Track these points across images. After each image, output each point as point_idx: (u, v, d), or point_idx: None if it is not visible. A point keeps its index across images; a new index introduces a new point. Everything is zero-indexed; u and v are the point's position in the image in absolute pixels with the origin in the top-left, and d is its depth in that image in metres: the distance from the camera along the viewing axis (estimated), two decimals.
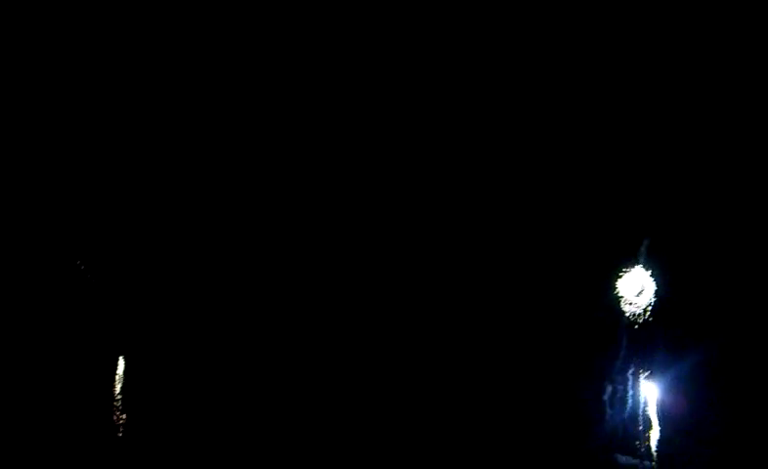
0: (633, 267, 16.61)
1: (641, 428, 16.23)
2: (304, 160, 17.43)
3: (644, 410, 16.33)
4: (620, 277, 16.65)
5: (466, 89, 17.03)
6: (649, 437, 16.12)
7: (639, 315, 16.50)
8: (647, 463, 16.04)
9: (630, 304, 16.56)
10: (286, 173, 17.43)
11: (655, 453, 16.02)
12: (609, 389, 16.59)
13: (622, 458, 16.23)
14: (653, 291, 16.45)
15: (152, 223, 17.06)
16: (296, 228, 17.38)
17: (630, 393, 16.47)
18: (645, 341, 16.47)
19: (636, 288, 16.48)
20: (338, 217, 17.17)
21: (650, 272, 16.51)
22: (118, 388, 16.28)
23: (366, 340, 16.90)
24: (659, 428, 16.11)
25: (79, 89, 16.47)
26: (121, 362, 16.47)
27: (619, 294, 16.65)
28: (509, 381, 16.66)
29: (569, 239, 17.00)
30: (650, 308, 16.43)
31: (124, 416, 16.14)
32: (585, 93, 16.83)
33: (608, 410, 16.56)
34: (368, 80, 17.27)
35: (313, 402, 16.77)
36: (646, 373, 16.35)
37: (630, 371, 16.52)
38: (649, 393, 16.33)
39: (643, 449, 16.19)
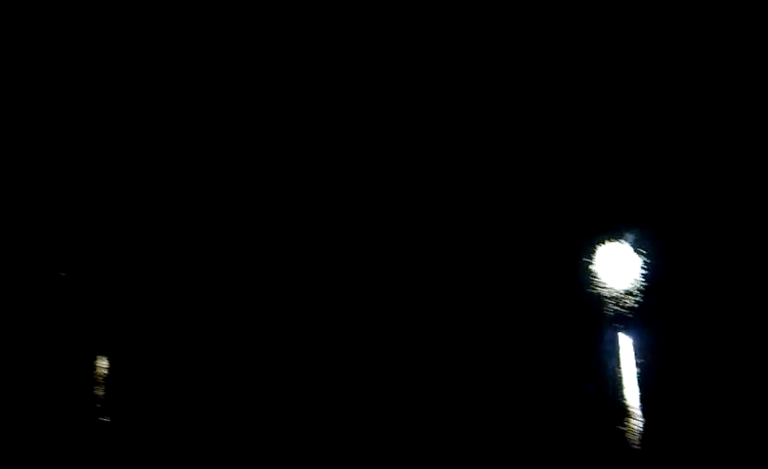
0: (618, 260, 16.74)
1: (625, 425, 16.29)
2: (303, 160, 17.61)
3: (628, 407, 16.39)
4: (604, 269, 16.75)
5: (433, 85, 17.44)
6: (633, 433, 16.16)
7: (624, 309, 16.62)
8: (632, 459, 16.08)
9: (615, 298, 16.68)
10: (284, 173, 17.58)
11: (640, 450, 16.09)
12: (592, 386, 16.66)
13: (607, 454, 16.26)
14: (638, 284, 16.58)
15: (148, 224, 17.07)
16: (293, 228, 17.48)
17: (614, 389, 16.55)
18: (629, 337, 16.58)
19: (621, 280, 16.61)
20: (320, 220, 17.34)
21: (636, 266, 16.65)
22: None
23: (349, 340, 16.93)
24: (643, 424, 16.18)
25: (71, 92, 16.61)
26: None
27: (603, 287, 16.76)
28: (487, 379, 16.67)
29: (549, 231, 17.19)
30: (635, 302, 16.57)
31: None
32: (558, 82, 17.26)
33: (591, 406, 16.61)
34: (364, 81, 17.62)
35: (310, 402, 16.70)
36: (630, 369, 16.45)
37: (614, 368, 16.61)
38: (633, 389, 16.42)
39: (628, 446, 16.24)
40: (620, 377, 16.54)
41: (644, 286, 16.65)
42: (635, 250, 16.71)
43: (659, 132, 17.02)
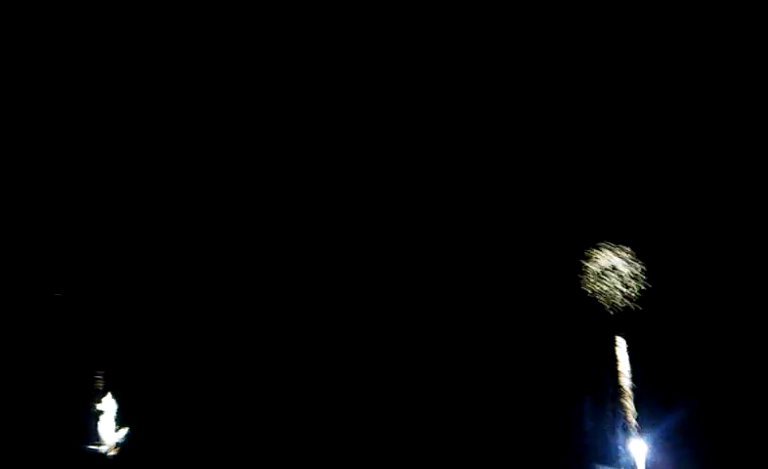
0: (615, 277, 16.44)
1: (620, 439, 16.11)
2: (303, 161, 17.60)
3: (623, 422, 16.17)
4: (603, 274, 16.46)
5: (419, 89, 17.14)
6: (629, 448, 15.97)
7: (621, 325, 16.35)
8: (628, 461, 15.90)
9: (611, 314, 16.42)
10: (284, 173, 17.61)
11: (634, 465, 15.89)
12: (587, 400, 16.50)
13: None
14: (635, 302, 16.29)
15: (150, 225, 17.28)
16: (293, 228, 17.55)
17: (609, 404, 16.34)
18: (626, 351, 16.32)
19: (616, 298, 16.34)
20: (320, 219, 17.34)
21: (632, 281, 16.34)
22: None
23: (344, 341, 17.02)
24: (639, 440, 15.95)
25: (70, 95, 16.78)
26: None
27: (600, 306, 16.52)
28: (484, 386, 16.61)
29: (552, 240, 16.91)
30: (632, 318, 16.28)
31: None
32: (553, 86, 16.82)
33: (586, 421, 16.47)
34: (364, 81, 17.46)
35: (311, 402, 16.91)
36: (626, 385, 16.21)
37: (609, 382, 16.39)
38: (628, 405, 16.19)
39: (622, 461, 16.07)
40: (617, 382, 16.32)
41: (643, 291, 16.27)
42: (633, 256, 16.34)
43: (654, 140, 16.46)
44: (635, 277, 16.23)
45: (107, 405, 16.62)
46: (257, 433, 16.81)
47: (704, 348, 15.93)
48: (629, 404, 16.15)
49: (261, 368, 17.25)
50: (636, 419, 16.06)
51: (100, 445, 16.38)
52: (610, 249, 16.50)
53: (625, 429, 16.05)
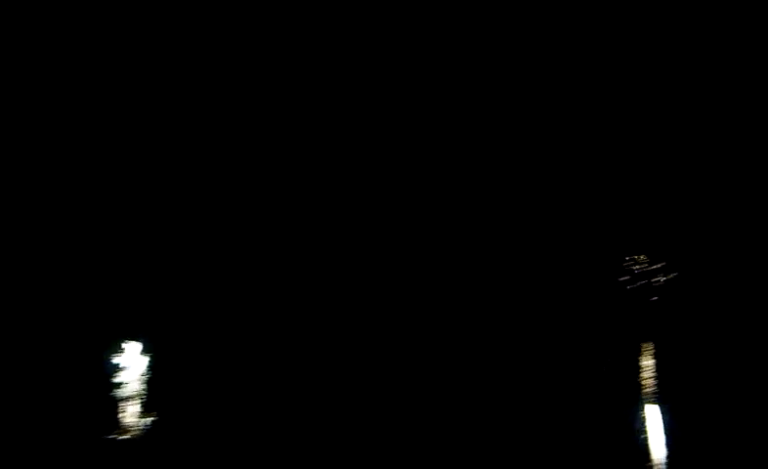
0: (649, 285, 16.69)
1: (643, 444, 16.43)
2: (303, 161, 17.45)
3: (646, 426, 16.49)
4: (628, 291, 16.70)
5: (468, 91, 17.13)
6: (651, 453, 16.33)
7: (653, 331, 16.62)
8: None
9: (643, 321, 16.67)
10: (285, 174, 17.44)
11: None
12: (617, 405, 16.77)
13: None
14: (666, 308, 16.55)
15: (152, 224, 16.99)
16: (295, 228, 17.40)
17: (633, 409, 16.65)
18: (656, 358, 16.63)
19: (649, 305, 16.59)
20: (337, 217, 17.22)
21: (658, 286, 16.62)
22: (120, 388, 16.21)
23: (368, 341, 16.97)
24: (662, 444, 16.31)
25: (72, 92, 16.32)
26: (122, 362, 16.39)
27: (632, 313, 16.75)
28: (508, 388, 16.75)
29: (574, 243, 17.10)
30: (665, 325, 16.56)
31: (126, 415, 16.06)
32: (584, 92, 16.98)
33: (615, 426, 16.75)
34: (368, 80, 17.36)
35: (313, 402, 16.85)
36: (650, 388, 16.52)
37: (634, 387, 16.69)
38: (652, 408, 16.51)
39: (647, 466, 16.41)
40: (646, 388, 16.67)
41: (675, 298, 16.63)
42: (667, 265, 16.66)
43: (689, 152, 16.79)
44: (668, 285, 16.57)
45: (133, 391, 16.15)
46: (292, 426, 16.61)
47: (735, 355, 16.35)
48: (658, 409, 16.51)
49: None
50: (665, 425, 16.42)
51: (124, 433, 15.95)
52: (643, 258, 16.79)
53: (654, 434, 16.39)
